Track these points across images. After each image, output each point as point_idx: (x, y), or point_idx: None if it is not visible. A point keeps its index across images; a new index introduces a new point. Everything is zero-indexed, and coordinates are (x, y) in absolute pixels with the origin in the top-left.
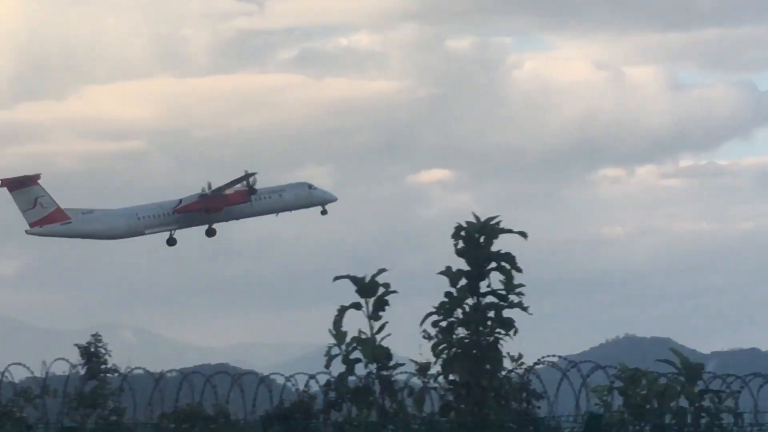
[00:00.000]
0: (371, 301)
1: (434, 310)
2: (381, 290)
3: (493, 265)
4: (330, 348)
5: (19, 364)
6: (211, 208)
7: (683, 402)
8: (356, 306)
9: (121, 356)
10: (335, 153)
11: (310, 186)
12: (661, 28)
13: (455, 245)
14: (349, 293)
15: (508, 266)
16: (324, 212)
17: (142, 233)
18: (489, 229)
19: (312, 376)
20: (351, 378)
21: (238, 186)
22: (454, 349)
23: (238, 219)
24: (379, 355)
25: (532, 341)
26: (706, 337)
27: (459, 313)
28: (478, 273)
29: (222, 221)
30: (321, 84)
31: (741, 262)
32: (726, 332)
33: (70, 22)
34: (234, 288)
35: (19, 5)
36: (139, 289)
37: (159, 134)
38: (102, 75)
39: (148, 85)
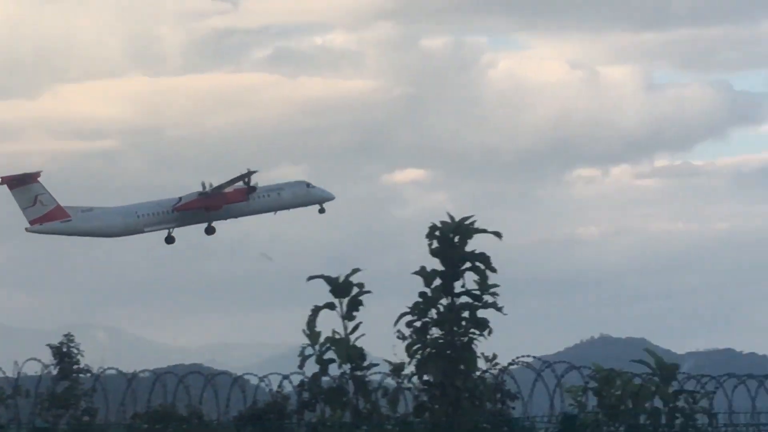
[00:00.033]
0: (345, 301)
1: (408, 310)
2: (355, 290)
3: (468, 265)
4: (304, 348)
5: None
6: (210, 206)
7: (658, 402)
8: (330, 306)
9: (93, 356)
10: (310, 152)
11: (308, 184)
12: (637, 28)
13: (430, 245)
14: (323, 293)
15: (482, 266)
16: (322, 210)
17: (141, 231)
18: (464, 229)
19: (286, 377)
20: (325, 378)
21: (237, 184)
22: (428, 350)
23: (237, 217)
24: (353, 355)
25: (506, 341)
26: (682, 338)
27: (433, 313)
28: (452, 273)
29: (221, 219)
30: (296, 83)
31: (716, 262)
32: (701, 333)
33: (43, 20)
34: (207, 288)
35: None
36: (112, 288)
37: (133, 133)
38: (75, 74)
39: (121, 84)
